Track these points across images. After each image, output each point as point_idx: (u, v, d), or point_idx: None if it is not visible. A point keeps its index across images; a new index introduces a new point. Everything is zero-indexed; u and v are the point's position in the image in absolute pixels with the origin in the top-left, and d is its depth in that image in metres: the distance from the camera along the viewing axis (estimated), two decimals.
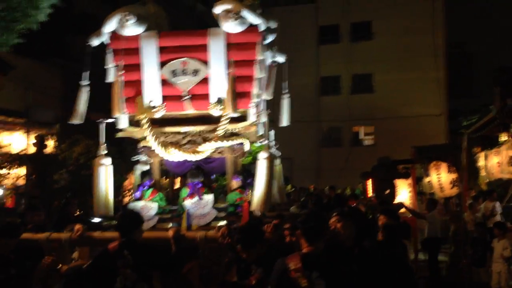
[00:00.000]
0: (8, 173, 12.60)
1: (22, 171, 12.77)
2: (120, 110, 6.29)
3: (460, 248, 8.84)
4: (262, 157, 6.11)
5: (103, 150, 6.36)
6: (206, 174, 6.84)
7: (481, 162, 13.71)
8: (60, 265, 4.36)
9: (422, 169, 13.49)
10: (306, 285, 3.28)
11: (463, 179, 9.89)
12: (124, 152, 16.51)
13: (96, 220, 6.80)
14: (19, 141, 13.61)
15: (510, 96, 8.60)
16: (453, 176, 10.53)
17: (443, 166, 10.63)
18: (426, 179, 12.68)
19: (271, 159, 6.14)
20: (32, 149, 12.75)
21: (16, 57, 14.61)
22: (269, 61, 6.90)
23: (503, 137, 12.49)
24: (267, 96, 6.99)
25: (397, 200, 9.74)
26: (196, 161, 6.54)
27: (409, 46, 25.98)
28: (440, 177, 10.68)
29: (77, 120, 6.51)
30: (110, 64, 6.41)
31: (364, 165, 16.55)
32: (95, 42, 6.45)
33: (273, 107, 7.56)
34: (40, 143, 12.72)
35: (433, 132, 24.34)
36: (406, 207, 9.07)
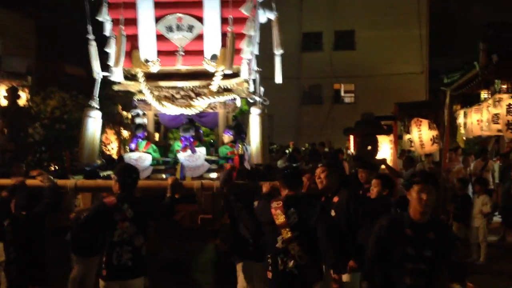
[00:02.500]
0: None
1: None
2: (119, 63, 6.32)
3: (439, 204, 8.90)
4: (255, 113, 6.33)
5: (95, 103, 6.58)
6: (198, 128, 7.15)
7: (460, 120, 13.78)
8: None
9: (402, 126, 13.52)
10: (283, 218, 3.93)
11: (443, 136, 9.88)
12: (103, 106, 16.00)
13: (88, 168, 6.79)
14: None
15: (495, 51, 8.49)
16: (434, 133, 10.53)
17: (424, 123, 10.62)
18: (407, 136, 12.72)
19: (263, 114, 6.35)
20: (4, 102, 12.30)
21: None
22: (262, 19, 6.97)
23: (484, 95, 12.52)
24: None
25: (379, 156, 9.71)
26: (189, 115, 6.80)
27: (392, 3, 25.59)
28: (421, 134, 10.68)
29: (96, 75, 6.64)
30: (106, 17, 6.46)
31: (345, 123, 16.50)
32: None
33: (263, 64, 7.47)
34: (12, 96, 12.29)
35: (414, 90, 24.35)
36: (386, 165, 9.04)
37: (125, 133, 16.58)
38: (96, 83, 6.65)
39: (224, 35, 6.37)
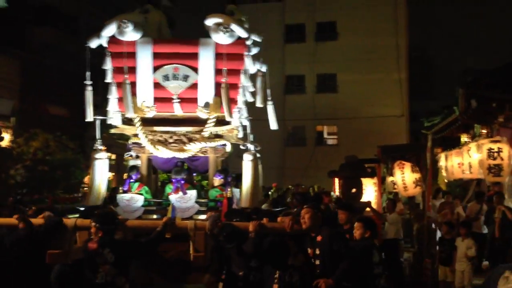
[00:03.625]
0: None
1: None
2: (129, 110, 6.67)
3: (423, 247, 8.93)
4: (247, 159, 6.65)
5: (99, 145, 6.79)
6: (189, 171, 7.46)
7: (441, 162, 14.00)
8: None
9: (385, 169, 13.67)
10: None
11: (426, 179, 10.00)
12: (86, 147, 15.95)
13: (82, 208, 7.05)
14: None
15: (474, 97, 8.76)
16: (417, 175, 10.64)
17: (407, 166, 10.73)
18: (389, 179, 12.83)
19: (255, 161, 6.71)
20: None
21: None
22: (254, 70, 7.32)
23: (464, 138, 12.80)
24: (259, 104, 7.31)
25: (363, 199, 9.76)
26: (182, 158, 7.10)
27: (372, 48, 26.34)
28: (404, 177, 10.78)
29: (88, 118, 6.86)
30: (108, 66, 6.79)
31: (328, 164, 16.63)
32: (93, 44, 6.77)
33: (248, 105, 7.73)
34: None
35: (394, 132, 24.79)
36: (371, 207, 9.10)
37: (109, 174, 16.45)
38: (97, 126, 6.87)
39: (217, 84, 6.72)
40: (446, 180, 14.95)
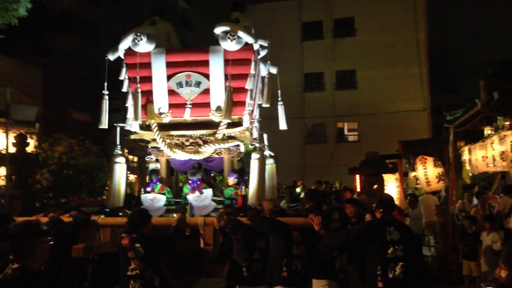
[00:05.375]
0: None
1: (2, 171, 12.46)
2: (138, 117, 7.15)
3: (448, 241, 8.84)
4: (255, 157, 7.04)
5: (119, 150, 7.34)
6: (206, 171, 8.00)
7: (465, 156, 13.80)
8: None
9: (407, 164, 13.54)
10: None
11: (449, 173, 9.88)
12: (108, 150, 16.18)
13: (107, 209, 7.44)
14: None
15: (496, 89, 8.60)
16: (439, 170, 10.54)
17: (429, 160, 10.64)
18: (412, 174, 12.72)
19: (262, 159, 7.09)
20: (12, 149, 12.44)
21: None
22: (263, 73, 7.80)
23: (488, 131, 12.58)
24: (265, 104, 7.83)
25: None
26: (198, 160, 7.50)
27: (391, 42, 26.11)
28: (426, 172, 10.69)
29: (102, 125, 7.32)
30: (124, 76, 7.32)
31: (350, 161, 16.54)
32: (112, 56, 7.29)
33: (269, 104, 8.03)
34: (21, 142, 12.44)
35: (416, 127, 24.51)
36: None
37: (131, 177, 16.68)
38: (117, 132, 7.40)
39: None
40: (470, 174, 14.73)
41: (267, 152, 7.59)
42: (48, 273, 5.02)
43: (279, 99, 7.91)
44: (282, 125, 7.85)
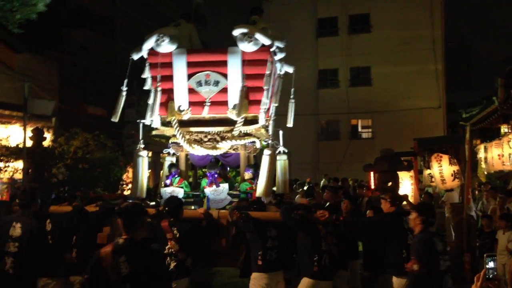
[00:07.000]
0: (6, 167, 12.47)
1: (19, 164, 12.62)
2: (155, 114, 7.57)
3: (463, 240, 8.78)
4: (266, 153, 7.32)
5: (142, 144, 7.69)
6: (223, 166, 8.32)
7: (480, 154, 13.68)
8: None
9: (422, 162, 13.46)
10: None
11: (464, 171, 9.80)
12: (123, 145, 16.31)
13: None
14: (16, 135, 13.42)
15: None
16: (455, 168, 10.45)
17: (445, 158, 10.55)
18: (427, 172, 12.64)
19: (273, 155, 7.37)
20: (29, 143, 12.59)
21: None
22: (278, 73, 8.09)
23: (504, 129, 12.47)
24: (275, 103, 8.13)
25: (400, 192, 9.67)
26: (215, 155, 7.84)
27: (407, 39, 25.89)
28: (442, 169, 10.61)
29: (115, 119, 7.63)
30: (148, 75, 7.65)
31: (363, 158, 16.50)
32: (135, 56, 7.60)
33: (283, 101, 8.28)
34: (38, 136, 12.57)
35: (431, 124, 24.31)
36: (407, 201, 9.00)
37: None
38: (140, 128, 7.85)
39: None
40: (485, 172, 14.62)
41: (281, 149, 7.77)
42: (80, 258, 5.72)
43: (291, 96, 8.15)
44: (290, 122, 8.13)
